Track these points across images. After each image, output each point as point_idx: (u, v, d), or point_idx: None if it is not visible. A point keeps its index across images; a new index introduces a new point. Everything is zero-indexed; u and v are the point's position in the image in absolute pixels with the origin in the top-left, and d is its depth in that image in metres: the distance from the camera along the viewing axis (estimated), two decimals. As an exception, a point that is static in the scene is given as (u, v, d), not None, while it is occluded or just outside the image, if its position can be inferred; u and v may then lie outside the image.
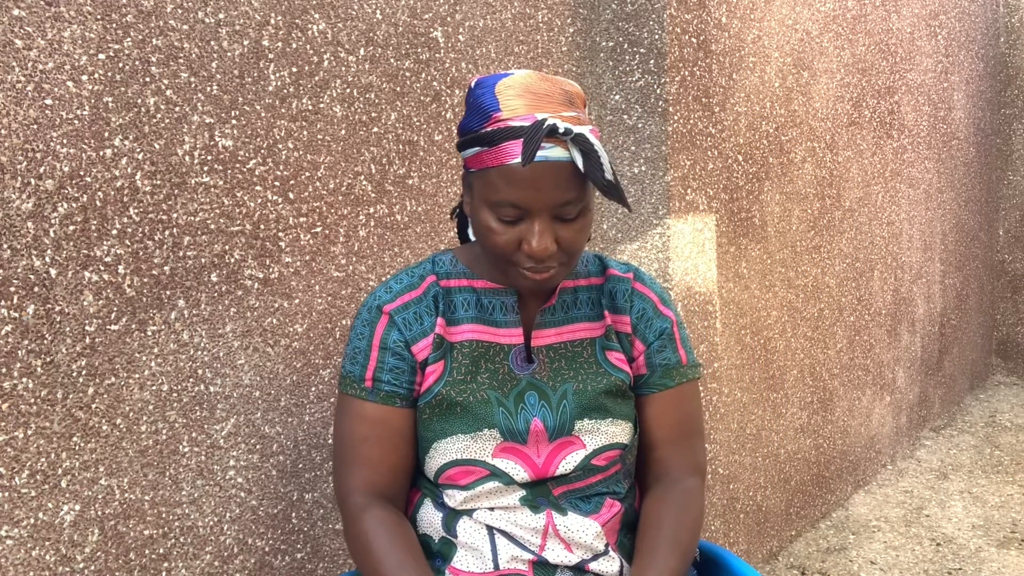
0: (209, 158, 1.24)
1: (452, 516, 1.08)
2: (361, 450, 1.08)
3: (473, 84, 1.05)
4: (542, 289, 1.06)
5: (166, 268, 1.20)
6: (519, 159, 0.97)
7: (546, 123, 0.96)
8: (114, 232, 1.14)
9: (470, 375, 1.08)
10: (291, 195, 1.35)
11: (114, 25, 1.13)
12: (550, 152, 0.98)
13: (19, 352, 1.06)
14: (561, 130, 0.97)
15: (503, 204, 0.99)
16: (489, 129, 0.99)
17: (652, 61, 1.92)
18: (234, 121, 1.27)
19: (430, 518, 1.10)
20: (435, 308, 1.10)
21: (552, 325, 1.12)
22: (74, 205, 1.10)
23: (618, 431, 1.10)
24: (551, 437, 1.07)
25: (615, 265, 1.18)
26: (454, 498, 1.08)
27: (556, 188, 0.98)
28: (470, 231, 1.22)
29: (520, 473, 1.06)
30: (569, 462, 1.08)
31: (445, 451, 1.07)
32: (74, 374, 1.11)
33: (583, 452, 1.08)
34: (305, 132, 1.37)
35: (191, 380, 1.24)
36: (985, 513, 2.82)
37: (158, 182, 1.18)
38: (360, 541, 1.04)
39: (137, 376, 1.18)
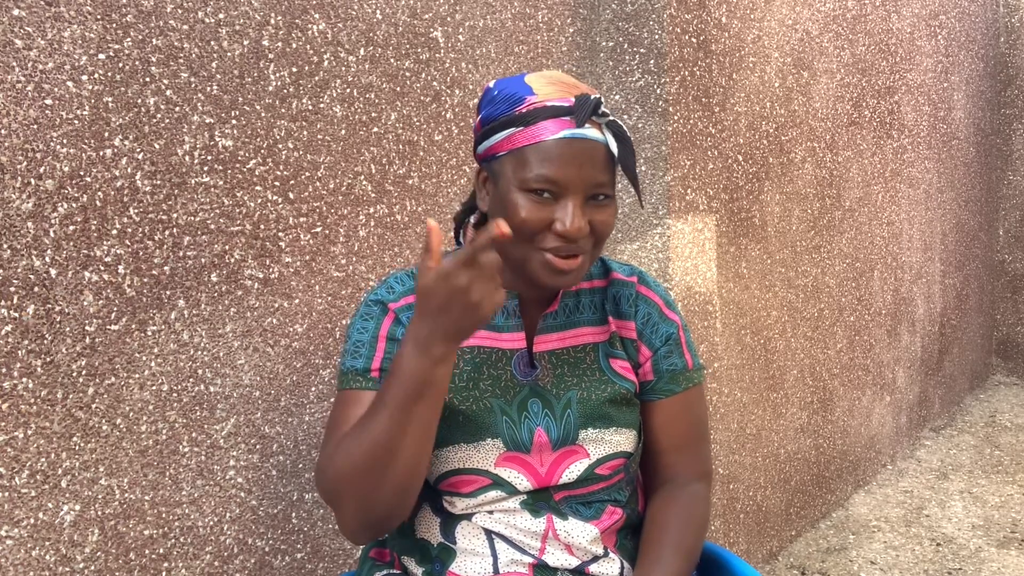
0: (209, 158, 1.24)
1: (451, 521, 1.07)
2: None
3: (491, 84, 1.05)
4: (560, 286, 1.02)
5: (166, 268, 1.20)
6: (557, 135, 0.98)
7: (592, 97, 0.99)
8: (114, 232, 1.14)
9: (472, 381, 1.06)
10: (291, 195, 1.35)
11: (114, 25, 1.13)
12: (588, 131, 0.99)
13: (19, 352, 1.06)
14: (604, 109, 1.00)
15: (539, 180, 0.98)
16: (526, 110, 0.99)
17: (652, 61, 1.92)
18: (234, 121, 1.27)
19: (428, 523, 1.09)
20: None
21: (555, 330, 1.10)
22: (74, 205, 1.10)
23: (622, 440, 1.09)
24: (555, 447, 1.06)
25: (618, 268, 1.17)
26: (455, 505, 1.07)
27: (592, 167, 0.99)
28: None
29: (523, 483, 1.05)
30: (573, 471, 1.06)
31: (446, 459, 1.05)
32: (74, 374, 1.11)
33: (587, 461, 1.07)
34: (305, 132, 1.37)
35: (191, 380, 1.24)
36: (985, 513, 2.82)
37: (158, 182, 1.18)
38: (334, 460, 0.96)
39: (137, 376, 1.18)
